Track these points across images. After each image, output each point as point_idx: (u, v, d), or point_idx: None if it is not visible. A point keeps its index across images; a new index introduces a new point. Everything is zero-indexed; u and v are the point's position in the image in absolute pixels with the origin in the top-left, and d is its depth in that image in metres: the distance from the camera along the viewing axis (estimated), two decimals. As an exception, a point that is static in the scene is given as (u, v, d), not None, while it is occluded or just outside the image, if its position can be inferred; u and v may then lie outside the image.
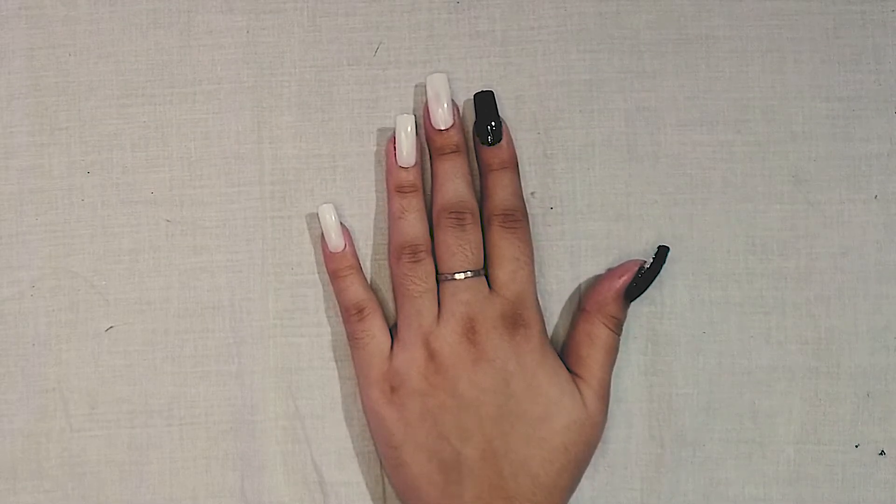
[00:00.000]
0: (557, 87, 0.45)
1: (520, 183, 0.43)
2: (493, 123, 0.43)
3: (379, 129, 0.45)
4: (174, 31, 0.45)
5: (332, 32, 0.45)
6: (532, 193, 0.44)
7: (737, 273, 0.44)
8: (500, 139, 0.43)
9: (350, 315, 0.43)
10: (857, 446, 0.44)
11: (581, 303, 0.44)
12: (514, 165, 0.43)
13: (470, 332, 0.41)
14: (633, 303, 0.43)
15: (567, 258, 0.44)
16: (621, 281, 0.42)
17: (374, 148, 0.45)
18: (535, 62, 0.45)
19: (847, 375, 0.44)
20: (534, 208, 0.44)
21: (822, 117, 0.44)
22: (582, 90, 0.45)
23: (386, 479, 0.44)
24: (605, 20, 0.45)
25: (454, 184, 0.42)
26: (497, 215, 0.42)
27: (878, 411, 0.44)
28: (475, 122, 0.43)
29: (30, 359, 0.44)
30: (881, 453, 0.44)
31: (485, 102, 0.43)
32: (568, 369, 0.42)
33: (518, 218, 0.42)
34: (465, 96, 0.44)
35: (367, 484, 0.44)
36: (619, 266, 0.43)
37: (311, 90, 0.45)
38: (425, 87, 0.43)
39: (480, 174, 0.44)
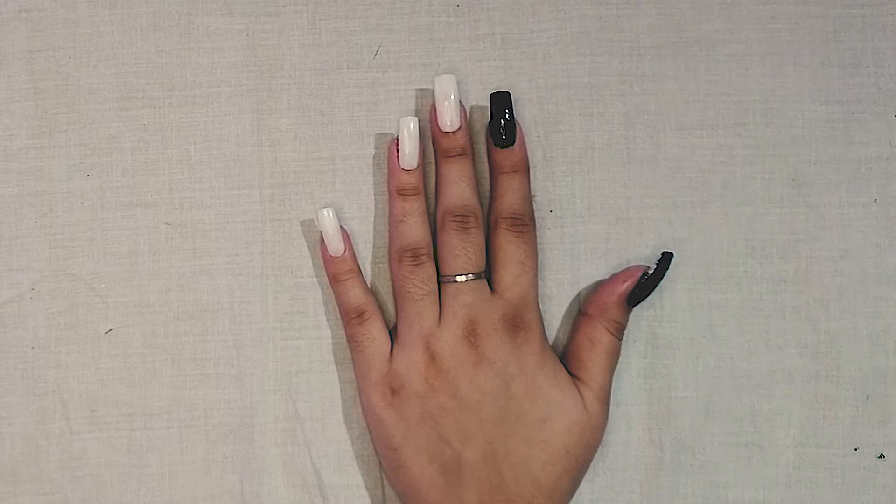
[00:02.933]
0: (557, 90, 0.45)
1: (530, 187, 0.43)
2: (507, 124, 0.42)
3: (378, 132, 0.45)
4: (174, 33, 0.45)
5: (332, 35, 0.45)
6: (532, 196, 0.44)
7: (736, 276, 0.44)
8: (514, 141, 0.43)
9: (350, 318, 0.43)
10: (856, 450, 0.44)
11: (582, 306, 0.44)
12: (525, 169, 0.43)
13: (471, 334, 0.41)
14: (632, 306, 0.43)
15: (566, 261, 0.44)
16: (624, 286, 0.42)
17: (374, 151, 0.45)
18: (534, 65, 0.45)
19: (846, 379, 0.44)
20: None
21: (821, 121, 0.44)
22: (581, 93, 0.45)
23: (385, 482, 0.44)
24: (605, 23, 0.45)
25: (459, 187, 0.42)
26: (505, 218, 0.42)
27: (877, 415, 0.44)
28: (489, 123, 0.43)
29: (29, 361, 0.44)
30: (881, 457, 0.44)
31: (500, 103, 0.43)
32: (569, 372, 0.42)
33: (525, 222, 0.42)
34: (465, 99, 0.44)
35: (366, 486, 0.44)
36: (622, 271, 0.43)
37: (310, 93, 0.45)
38: (433, 87, 0.42)
39: (491, 175, 0.44)
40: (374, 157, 0.45)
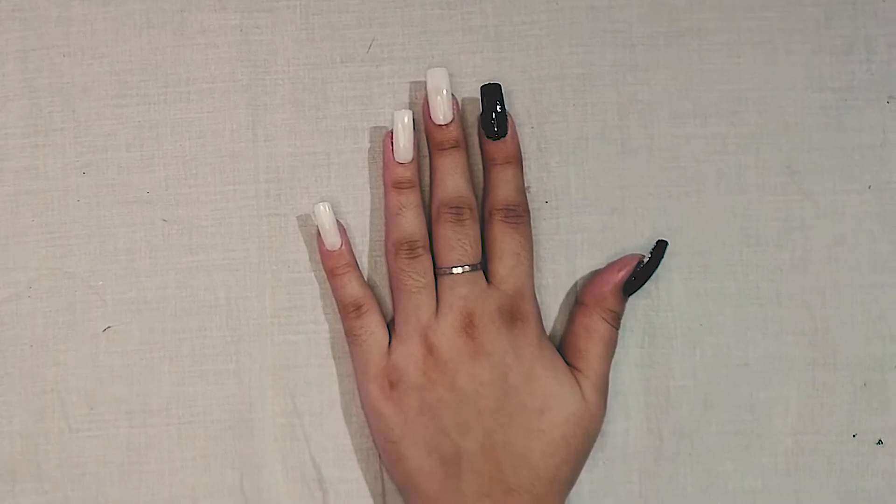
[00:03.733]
0: (550, 81, 0.45)
1: (523, 178, 0.43)
2: (498, 116, 0.43)
3: (373, 126, 0.45)
4: (168, 30, 0.45)
5: (325, 30, 0.45)
6: (527, 188, 0.44)
7: (732, 265, 0.44)
8: (506, 133, 0.43)
9: (348, 312, 0.43)
10: (854, 436, 0.44)
11: (578, 296, 0.44)
12: (517, 160, 0.43)
13: (468, 325, 0.41)
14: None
15: (562, 252, 0.44)
16: (620, 275, 0.42)
17: (369, 145, 0.45)
18: (527, 57, 0.45)
19: (843, 365, 0.44)
20: (529, 202, 0.44)
21: (814, 108, 0.44)
22: (575, 84, 0.45)
23: (385, 476, 0.44)
24: (598, 14, 0.45)
25: (453, 179, 0.42)
26: (499, 210, 0.42)
27: (875, 401, 0.44)
28: (481, 115, 0.43)
29: (27, 360, 0.44)
30: (879, 443, 0.44)
31: (492, 94, 0.43)
32: (566, 362, 0.42)
33: (520, 213, 0.42)
34: (458, 92, 0.44)
35: (366, 480, 0.44)
36: (617, 260, 0.43)
37: (304, 88, 0.45)
38: (425, 80, 0.42)
39: (484, 168, 0.44)
40: (369, 150, 0.45)
